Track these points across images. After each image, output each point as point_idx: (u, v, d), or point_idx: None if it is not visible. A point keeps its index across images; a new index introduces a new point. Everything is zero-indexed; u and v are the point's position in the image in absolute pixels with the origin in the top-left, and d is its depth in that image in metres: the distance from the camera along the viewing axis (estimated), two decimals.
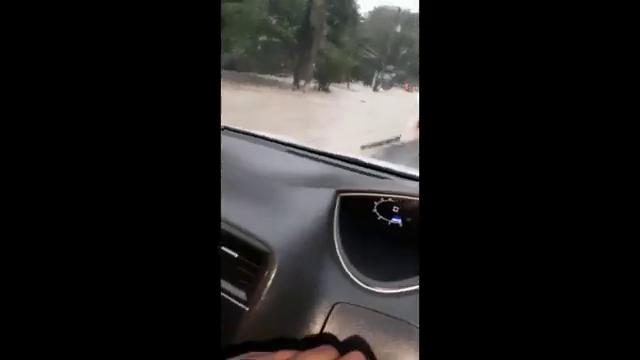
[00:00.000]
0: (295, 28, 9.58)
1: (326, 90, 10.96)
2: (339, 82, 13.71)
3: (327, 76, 10.97)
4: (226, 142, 0.81)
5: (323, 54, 10.72)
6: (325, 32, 11.45)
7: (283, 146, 0.87)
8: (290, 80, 10.45)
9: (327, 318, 0.47)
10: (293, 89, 9.72)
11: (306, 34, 9.84)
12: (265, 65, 9.74)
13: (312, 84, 10.79)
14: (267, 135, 0.91)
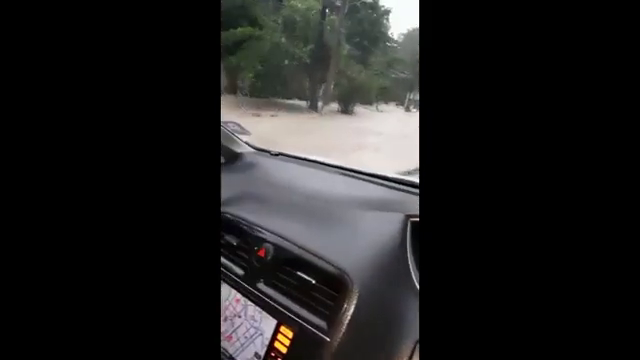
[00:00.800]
0: (309, 48, 8.98)
1: (349, 112, 10.14)
2: (368, 104, 12.94)
3: (350, 97, 10.19)
4: (283, 168, 0.90)
5: (345, 75, 10.05)
6: (346, 51, 10.83)
7: (339, 170, 0.85)
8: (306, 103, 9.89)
9: (412, 355, 0.44)
10: (309, 112, 9.07)
11: (321, 54, 9.20)
12: (279, 88, 9.24)
13: (333, 106, 10.10)
14: (321, 159, 0.90)
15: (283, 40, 8.64)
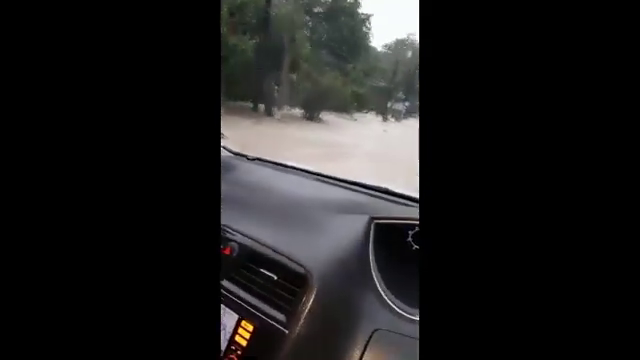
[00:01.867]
0: (253, 41, 7.65)
1: (314, 119, 9.03)
2: (344, 111, 11.94)
3: (316, 103, 9.08)
4: (259, 172, 0.92)
5: (310, 78, 8.98)
6: (307, 51, 9.80)
7: (313, 175, 0.88)
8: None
9: (367, 345, 0.47)
10: (261, 117, 7.89)
11: (270, 50, 7.92)
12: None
13: (293, 112, 8.98)
14: (297, 165, 0.93)
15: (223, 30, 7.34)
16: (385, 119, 14.57)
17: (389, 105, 15.48)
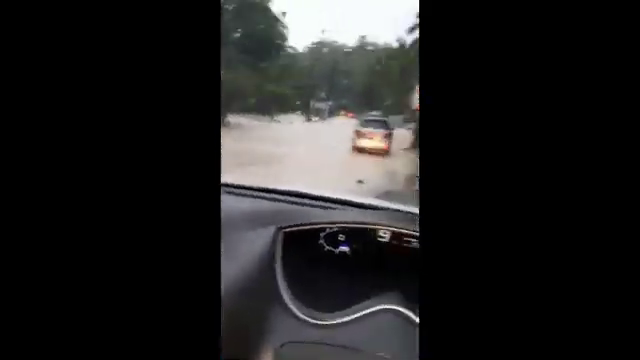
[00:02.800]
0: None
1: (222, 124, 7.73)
2: (260, 113, 10.80)
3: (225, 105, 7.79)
4: None
5: None
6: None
7: (225, 187, 0.82)
8: None
9: (279, 357, 0.47)
10: None
11: None
12: None
13: None
14: None
15: None
16: (309, 119, 13.84)
17: (313, 105, 14.82)
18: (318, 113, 15.00)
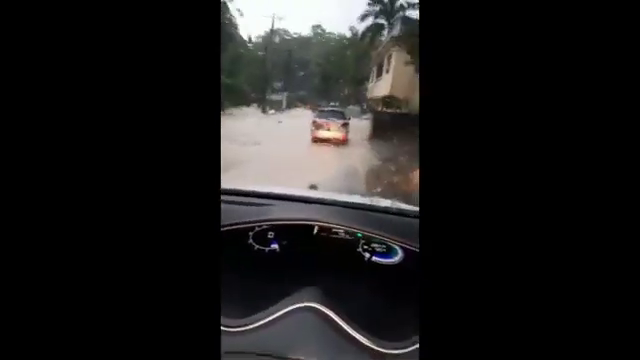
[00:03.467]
0: None
1: None
2: None
3: None
4: None
5: None
6: None
7: None
8: None
9: None
10: None
11: None
12: None
13: None
14: None
15: None
16: (264, 111, 13.14)
17: (268, 96, 14.11)
18: (274, 105, 14.34)
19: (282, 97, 15.70)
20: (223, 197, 0.65)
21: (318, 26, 28.09)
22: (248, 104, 13.12)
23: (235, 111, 11.21)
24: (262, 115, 12.17)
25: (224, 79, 10.43)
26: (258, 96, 13.65)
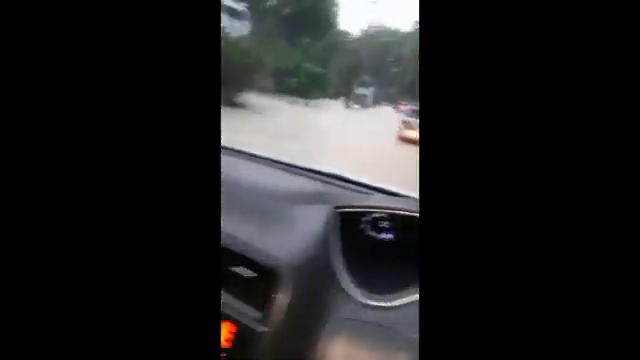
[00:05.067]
0: None
1: (230, 103, 6.29)
2: (299, 95, 9.60)
3: (236, 82, 6.40)
4: (226, 162, 0.80)
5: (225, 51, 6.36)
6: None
7: (272, 162, 0.87)
8: None
9: (335, 335, 0.48)
10: None
11: None
12: None
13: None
14: (254, 152, 0.91)
15: None
16: (348, 106, 12.29)
17: (357, 91, 13.19)
18: (360, 100, 13.35)
19: (368, 92, 14.59)
20: (334, 180, 0.73)
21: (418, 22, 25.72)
22: (336, 97, 12.46)
23: (317, 102, 10.67)
24: (345, 109, 11.39)
25: (312, 68, 9.91)
26: (345, 89, 12.85)
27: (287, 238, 0.55)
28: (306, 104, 9.59)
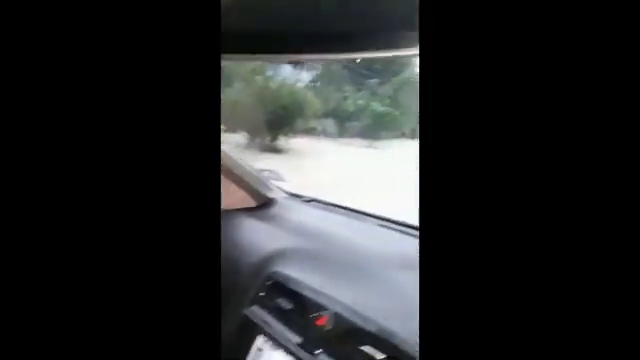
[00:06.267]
0: None
1: (268, 148, 5.64)
2: (364, 137, 9.08)
3: (275, 125, 5.85)
4: (320, 217, 0.90)
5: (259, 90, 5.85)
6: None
7: (374, 219, 0.83)
8: None
9: None
10: None
11: None
12: None
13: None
14: (356, 207, 0.89)
15: None
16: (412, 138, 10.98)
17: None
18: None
19: None
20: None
21: None
22: (410, 136, 11.41)
23: (386, 143, 9.79)
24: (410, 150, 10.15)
25: (378, 108, 9.29)
26: (412, 127, 11.70)
27: (413, 314, 0.46)
28: (369, 145, 8.84)
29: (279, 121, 5.96)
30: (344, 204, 0.90)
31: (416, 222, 0.73)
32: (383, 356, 0.47)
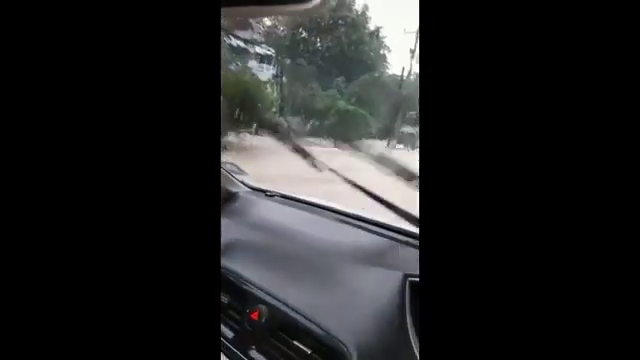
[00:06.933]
0: None
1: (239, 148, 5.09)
2: (333, 137, 8.64)
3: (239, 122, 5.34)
4: (280, 211, 0.84)
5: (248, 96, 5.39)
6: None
7: (336, 214, 0.78)
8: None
9: None
10: None
11: None
12: None
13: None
14: (319, 202, 0.84)
15: None
16: (388, 145, 10.80)
17: (399, 129, 11.74)
18: (404, 139, 11.79)
19: (415, 131, 12.99)
20: (403, 237, 0.62)
21: None
22: (380, 136, 11.22)
23: (356, 143, 9.48)
24: (387, 149, 9.97)
25: (344, 107, 8.95)
26: (386, 128, 11.54)
27: (354, 310, 0.48)
28: (335, 145, 8.47)
29: (232, 115, 5.30)
30: (309, 199, 0.85)
31: (378, 217, 0.70)
32: (309, 351, 0.46)
